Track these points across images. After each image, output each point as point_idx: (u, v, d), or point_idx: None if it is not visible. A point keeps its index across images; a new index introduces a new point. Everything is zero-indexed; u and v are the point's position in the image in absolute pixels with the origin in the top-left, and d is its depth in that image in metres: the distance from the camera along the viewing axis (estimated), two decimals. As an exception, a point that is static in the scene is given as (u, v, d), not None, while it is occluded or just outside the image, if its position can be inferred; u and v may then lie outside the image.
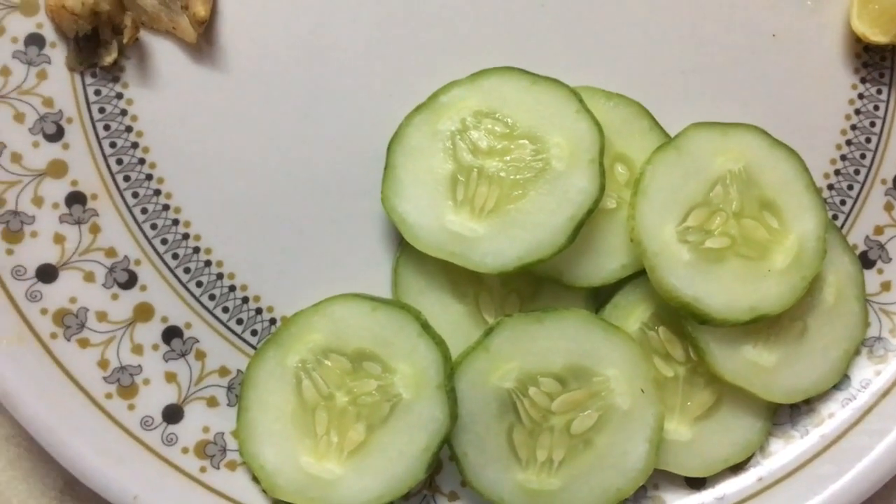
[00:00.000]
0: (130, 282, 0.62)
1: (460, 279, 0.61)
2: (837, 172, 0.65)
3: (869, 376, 0.63)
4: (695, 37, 0.65)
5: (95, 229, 0.62)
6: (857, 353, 0.63)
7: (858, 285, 0.63)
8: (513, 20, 0.64)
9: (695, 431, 0.61)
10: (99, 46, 0.62)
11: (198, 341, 0.62)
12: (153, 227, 0.62)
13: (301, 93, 0.63)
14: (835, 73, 0.65)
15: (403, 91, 0.63)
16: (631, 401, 0.59)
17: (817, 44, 0.65)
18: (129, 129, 0.62)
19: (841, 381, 0.63)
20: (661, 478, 0.62)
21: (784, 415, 0.63)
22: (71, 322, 0.61)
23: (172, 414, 0.61)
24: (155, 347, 0.61)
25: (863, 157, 0.65)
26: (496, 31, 0.64)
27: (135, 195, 0.62)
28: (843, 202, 0.65)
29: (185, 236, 0.62)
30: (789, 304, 0.59)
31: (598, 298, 0.62)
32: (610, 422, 0.59)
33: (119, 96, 0.62)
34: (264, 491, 0.60)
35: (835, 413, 0.63)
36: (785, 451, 0.63)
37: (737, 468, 0.62)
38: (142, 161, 0.62)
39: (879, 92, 0.65)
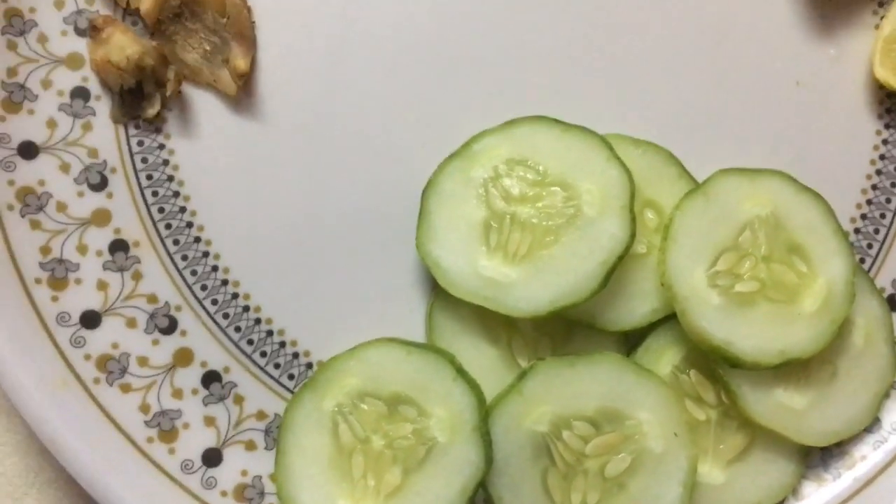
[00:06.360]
0: (171, 327, 0.63)
1: (494, 323, 0.62)
2: (864, 217, 0.66)
3: (900, 419, 0.64)
4: (720, 85, 0.66)
5: (137, 276, 0.63)
6: (887, 395, 0.63)
7: (887, 328, 0.63)
8: (543, 70, 0.65)
9: (728, 474, 0.61)
10: (142, 99, 0.63)
11: (236, 385, 0.63)
12: (193, 273, 0.63)
13: (337, 142, 0.64)
14: (859, 119, 0.66)
15: (437, 140, 0.64)
16: (664, 444, 0.59)
17: (841, 91, 0.67)
18: (170, 179, 0.64)
19: (872, 424, 0.63)
20: (694, 521, 0.62)
21: (816, 458, 0.63)
22: (113, 367, 0.62)
23: (212, 457, 0.62)
24: (195, 392, 0.62)
25: (888, 201, 0.66)
26: (527, 80, 0.65)
27: (175, 242, 0.63)
28: (869, 246, 0.66)
29: (224, 282, 0.63)
30: (819, 347, 0.60)
31: (630, 342, 0.63)
32: (643, 465, 0.59)
33: (161, 147, 0.64)
34: (302, 534, 0.60)
35: (867, 455, 0.63)
36: (817, 494, 0.63)
37: (770, 511, 0.63)
38: (182, 209, 0.64)
39: (903, 138, 0.67)
